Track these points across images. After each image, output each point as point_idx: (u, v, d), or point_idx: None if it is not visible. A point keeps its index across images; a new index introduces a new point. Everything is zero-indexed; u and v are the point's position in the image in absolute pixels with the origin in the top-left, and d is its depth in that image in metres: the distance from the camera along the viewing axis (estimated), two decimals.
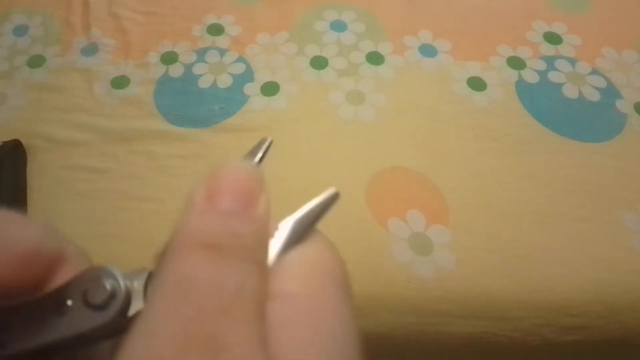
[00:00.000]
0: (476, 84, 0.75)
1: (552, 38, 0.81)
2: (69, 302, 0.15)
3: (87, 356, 0.16)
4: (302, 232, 0.17)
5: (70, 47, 0.81)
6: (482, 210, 0.63)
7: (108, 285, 0.15)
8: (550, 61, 0.78)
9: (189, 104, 0.74)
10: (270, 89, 0.75)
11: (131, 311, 0.15)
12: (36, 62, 0.79)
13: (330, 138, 0.70)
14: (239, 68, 0.78)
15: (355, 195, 0.64)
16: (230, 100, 0.74)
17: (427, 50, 0.80)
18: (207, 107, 0.73)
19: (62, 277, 0.16)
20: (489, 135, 0.70)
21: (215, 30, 0.83)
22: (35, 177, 0.66)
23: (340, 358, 0.14)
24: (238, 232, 0.14)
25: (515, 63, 0.78)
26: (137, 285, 0.16)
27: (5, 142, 0.67)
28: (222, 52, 0.80)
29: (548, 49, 0.80)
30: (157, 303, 0.13)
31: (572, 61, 0.78)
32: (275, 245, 0.16)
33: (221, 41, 0.82)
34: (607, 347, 0.58)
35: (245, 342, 0.12)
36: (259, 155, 0.20)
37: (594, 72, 0.77)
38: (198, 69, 0.78)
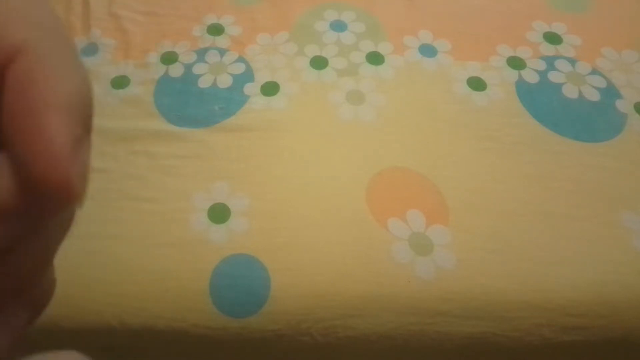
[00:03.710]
0: (476, 84, 0.75)
1: (552, 38, 0.81)
2: None
3: None
4: None
5: None
6: (482, 210, 0.63)
7: None
8: (550, 61, 0.78)
9: (189, 104, 0.74)
10: (270, 89, 0.75)
11: None
12: None
13: (330, 138, 0.70)
14: (239, 68, 0.78)
15: (355, 195, 0.64)
16: (230, 100, 0.74)
17: (427, 50, 0.80)
18: (207, 107, 0.73)
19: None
20: (488, 135, 0.70)
21: (215, 30, 0.83)
22: None
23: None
24: None
25: (515, 63, 0.78)
26: None
27: None
28: (222, 52, 0.80)
29: (548, 49, 0.80)
30: None
31: (572, 61, 0.78)
32: None
33: (221, 41, 0.82)
34: (607, 347, 0.57)
35: None
36: None
37: (594, 72, 0.76)
38: (198, 69, 0.78)
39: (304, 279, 0.58)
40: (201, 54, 0.80)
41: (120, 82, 0.76)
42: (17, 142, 0.13)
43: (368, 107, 0.73)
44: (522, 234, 0.61)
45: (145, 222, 0.62)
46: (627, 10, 0.86)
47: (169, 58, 0.79)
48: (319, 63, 0.78)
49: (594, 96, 0.73)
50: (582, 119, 0.71)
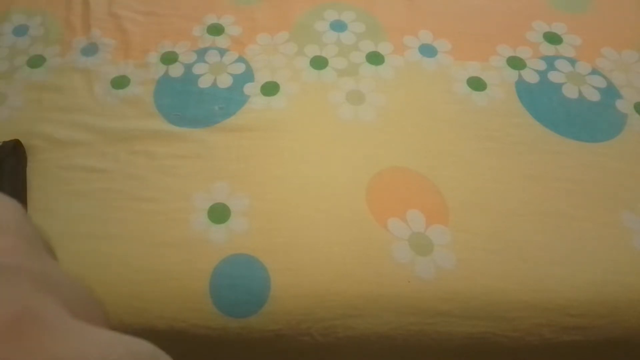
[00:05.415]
0: (476, 84, 0.75)
1: (552, 38, 0.81)
2: None
3: None
4: None
5: (70, 47, 0.81)
6: (482, 210, 0.63)
7: None
8: (550, 61, 0.78)
9: (189, 104, 0.74)
10: (270, 89, 0.75)
11: None
12: (36, 62, 0.79)
13: (330, 138, 0.70)
14: (239, 68, 0.78)
15: (355, 195, 0.64)
16: (230, 100, 0.74)
17: (427, 50, 0.80)
18: (207, 107, 0.73)
19: None
20: (489, 135, 0.70)
21: (215, 30, 0.83)
22: (35, 177, 0.66)
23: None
24: None
25: (515, 63, 0.78)
26: None
27: (5, 142, 0.67)
28: (222, 52, 0.80)
29: (548, 49, 0.80)
30: None
31: (572, 61, 0.78)
32: None
33: (221, 41, 0.82)
34: (607, 347, 0.58)
35: None
36: None
37: (594, 72, 0.77)
38: (198, 69, 0.78)
39: (304, 279, 0.58)
40: (201, 54, 0.80)
41: (120, 82, 0.76)
42: None
43: (368, 107, 0.73)
44: (522, 234, 0.61)
45: (145, 222, 0.62)
46: (627, 10, 0.86)
47: (169, 58, 0.79)
48: (319, 63, 0.78)
49: (594, 96, 0.73)
50: (582, 119, 0.71)
